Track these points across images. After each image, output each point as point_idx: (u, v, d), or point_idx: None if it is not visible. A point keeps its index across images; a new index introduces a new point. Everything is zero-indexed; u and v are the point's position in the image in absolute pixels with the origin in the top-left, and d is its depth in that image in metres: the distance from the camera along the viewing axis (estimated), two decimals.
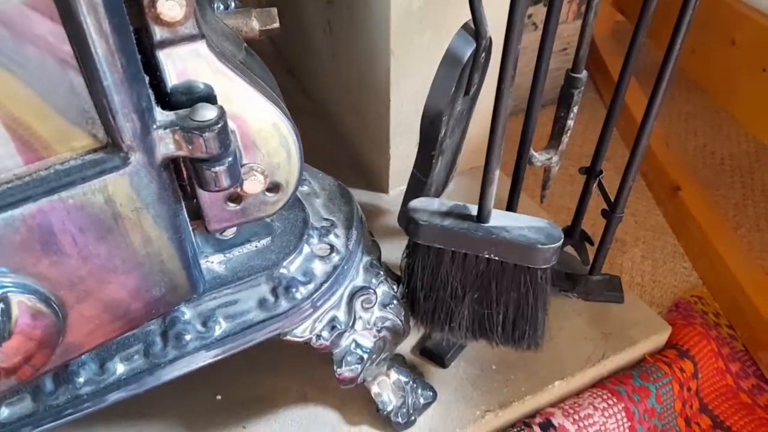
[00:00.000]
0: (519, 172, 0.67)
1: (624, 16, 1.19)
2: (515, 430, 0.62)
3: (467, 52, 0.57)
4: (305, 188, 0.55)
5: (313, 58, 0.96)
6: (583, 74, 0.62)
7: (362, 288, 0.51)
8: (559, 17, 0.56)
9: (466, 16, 0.55)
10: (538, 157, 0.68)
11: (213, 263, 0.47)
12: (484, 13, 0.55)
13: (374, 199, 0.86)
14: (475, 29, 0.56)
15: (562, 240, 0.51)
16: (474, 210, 0.53)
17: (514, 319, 0.55)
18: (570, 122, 0.67)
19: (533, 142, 0.65)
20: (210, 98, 0.35)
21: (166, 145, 0.34)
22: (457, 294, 0.54)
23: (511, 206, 0.69)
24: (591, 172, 0.68)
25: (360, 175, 0.89)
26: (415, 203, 0.54)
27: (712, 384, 0.71)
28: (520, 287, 0.53)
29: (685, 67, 1.12)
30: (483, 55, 0.58)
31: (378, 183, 0.88)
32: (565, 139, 0.68)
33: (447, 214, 0.53)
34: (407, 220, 0.53)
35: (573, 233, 0.72)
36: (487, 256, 0.52)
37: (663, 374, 0.67)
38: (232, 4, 0.47)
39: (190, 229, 0.41)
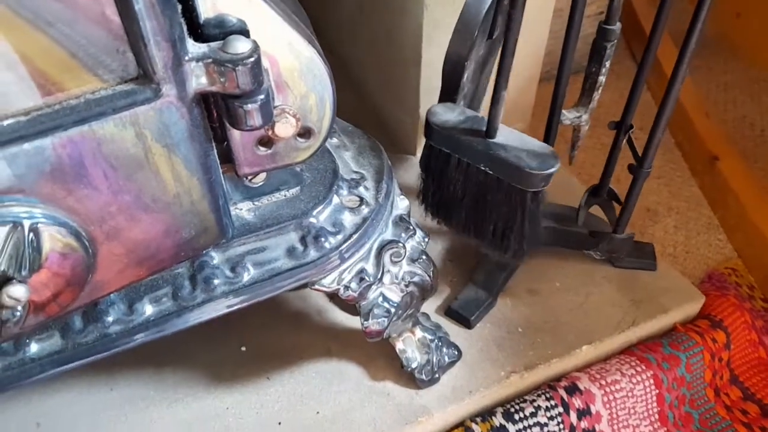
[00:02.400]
0: (550, 133, 0.65)
1: None
2: (540, 392, 0.61)
3: None
4: (334, 140, 0.54)
5: (338, 14, 0.94)
6: (617, 26, 0.60)
7: (391, 242, 0.50)
8: None
9: None
10: (567, 115, 0.66)
11: (242, 210, 0.46)
12: None
13: (401, 161, 0.85)
14: None
15: (554, 169, 0.53)
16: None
17: (504, 230, 0.59)
18: (602, 78, 0.64)
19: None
20: (243, 32, 0.34)
21: (198, 79, 0.33)
22: (457, 196, 0.60)
23: None
24: (621, 126, 0.66)
25: (386, 136, 0.88)
26: (438, 108, 0.59)
27: (744, 356, 0.70)
28: (510, 204, 0.57)
29: (726, 34, 1.07)
30: None
31: (405, 144, 0.86)
32: (596, 96, 0.66)
33: (461, 123, 0.57)
34: (425, 121, 0.58)
35: (600, 191, 0.70)
36: (484, 168, 0.56)
37: (694, 343, 0.65)
38: None
39: (221, 171, 0.40)
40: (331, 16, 0.97)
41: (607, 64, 0.63)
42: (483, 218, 0.60)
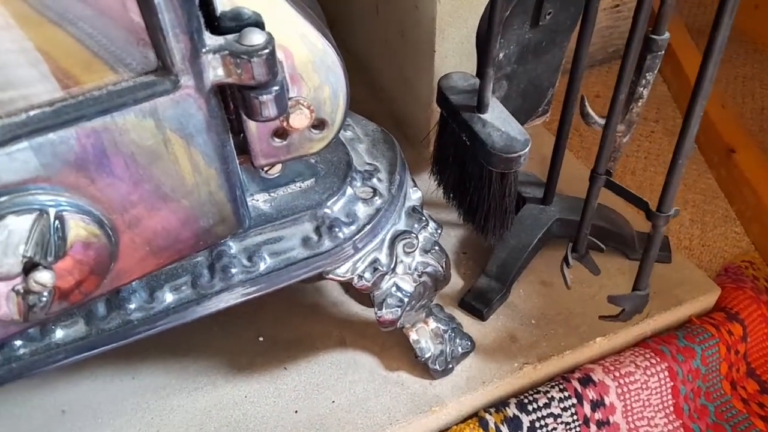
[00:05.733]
0: (563, 129, 0.65)
1: None
2: (554, 383, 0.61)
3: None
4: (348, 133, 0.55)
5: (354, 12, 0.95)
6: (664, 36, 0.55)
7: (404, 232, 0.51)
8: None
9: None
10: (596, 118, 0.64)
11: (258, 201, 0.47)
12: None
13: (415, 154, 0.85)
14: None
15: (516, 154, 0.55)
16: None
17: (477, 204, 0.62)
18: (641, 90, 0.59)
19: (598, 103, 0.61)
20: (258, 25, 0.35)
21: (215, 70, 0.34)
22: (447, 159, 0.63)
23: (554, 163, 0.68)
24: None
25: (400, 130, 0.89)
26: (454, 74, 0.61)
27: (761, 349, 0.69)
28: (481, 180, 0.59)
29: (745, 26, 1.06)
30: None
31: (419, 138, 0.87)
32: (636, 108, 0.60)
33: (464, 92, 0.59)
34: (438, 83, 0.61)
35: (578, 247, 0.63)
36: (464, 138, 0.58)
37: (710, 336, 0.65)
38: None
39: (237, 162, 0.41)
40: (345, 13, 0.98)
41: (648, 76, 0.58)
42: (463, 188, 0.63)
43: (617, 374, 0.62)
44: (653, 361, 0.63)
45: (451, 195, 0.67)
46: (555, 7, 0.61)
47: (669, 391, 0.63)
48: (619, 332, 0.64)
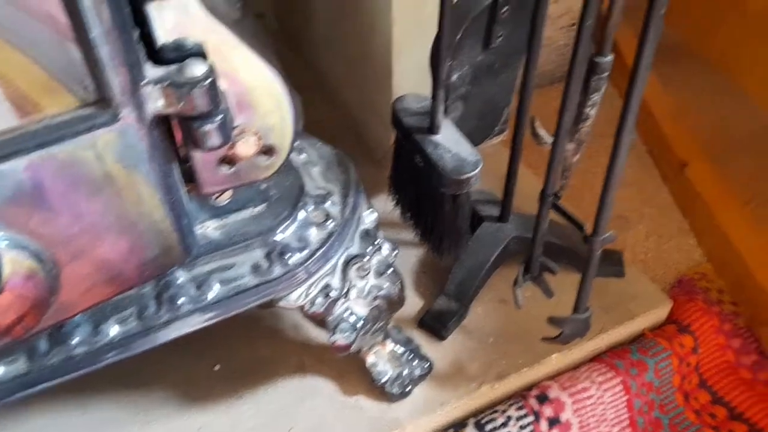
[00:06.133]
0: (515, 149, 0.66)
1: None
2: (511, 402, 0.62)
3: (483, 2, 0.57)
4: (302, 157, 0.55)
5: (316, 32, 0.96)
6: (606, 59, 0.53)
7: (357, 256, 0.51)
8: None
9: None
10: (546, 139, 0.65)
11: (208, 228, 0.47)
12: None
13: (376, 174, 0.85)
14: None
15: (469, 176, 0.55)
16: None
17: (433, 224, 0.62)
18: (588, 110, 0.58)
19: (548, 121, 0.62)
20: (200, 56, 0.35)
21: (156, 102, 0.34)
22: (404, 180, 0.64)
23: (509, 182, 0.69)
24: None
25: (362, 147, 0.89)
26: (409, 96, 0.62)
27: (712, 360, 0.71)
28: (434, 200, 0.60)
29: (692, 40, 1.10)
30: (506, 9, 0.59)
31: (380, 156, 0.87)
32: (584, 128, 0.60)
33: (417, 113, 0.60)
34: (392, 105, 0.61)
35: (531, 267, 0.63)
36: (417, 159, 0.58)
37: (662, 349, 0.67)
38: None
39: (184, 191, 0.41)
40: (312, 38, 0.99)
41: (594, 96, 0.57)
42: (418, 208, 0.64)
43: (573, 390, 0.63)
44: (608, 375, 0.64)
45: (408, 215, 0.68)
46: (506, 29, 0.63)
47: (623, 404, 0.64)
48: (574, 348, 0.65)
